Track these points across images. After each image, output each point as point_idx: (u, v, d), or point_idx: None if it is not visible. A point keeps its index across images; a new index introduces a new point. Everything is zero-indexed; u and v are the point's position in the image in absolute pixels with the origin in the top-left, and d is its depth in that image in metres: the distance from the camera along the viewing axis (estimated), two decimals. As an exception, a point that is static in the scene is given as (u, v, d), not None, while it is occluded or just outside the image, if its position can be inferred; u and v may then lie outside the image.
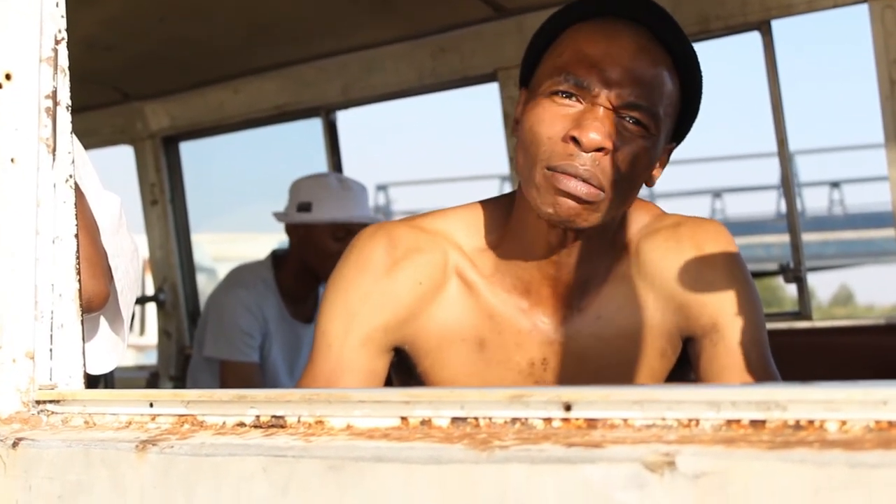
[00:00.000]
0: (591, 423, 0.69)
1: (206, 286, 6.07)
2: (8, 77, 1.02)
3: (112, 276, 1.30)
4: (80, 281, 1.02)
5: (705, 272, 1.32)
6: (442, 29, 2.83)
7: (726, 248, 1.34)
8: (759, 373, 1.29)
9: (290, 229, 2.94)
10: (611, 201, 1.20)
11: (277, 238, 5.09)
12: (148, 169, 3.54)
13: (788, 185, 2.71)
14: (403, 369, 1.35)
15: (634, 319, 1.32)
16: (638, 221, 1.36)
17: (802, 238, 2.66)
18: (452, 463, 0.68)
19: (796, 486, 0.57)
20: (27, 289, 0.99)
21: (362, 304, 1.29)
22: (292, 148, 4.01)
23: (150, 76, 3.25)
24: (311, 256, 2.89)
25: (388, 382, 1.36)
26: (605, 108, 1.19)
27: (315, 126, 3.35)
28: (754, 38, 2.51)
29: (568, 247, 1.28)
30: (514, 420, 0.72)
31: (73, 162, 1.03)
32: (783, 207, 3.75)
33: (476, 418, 0.73)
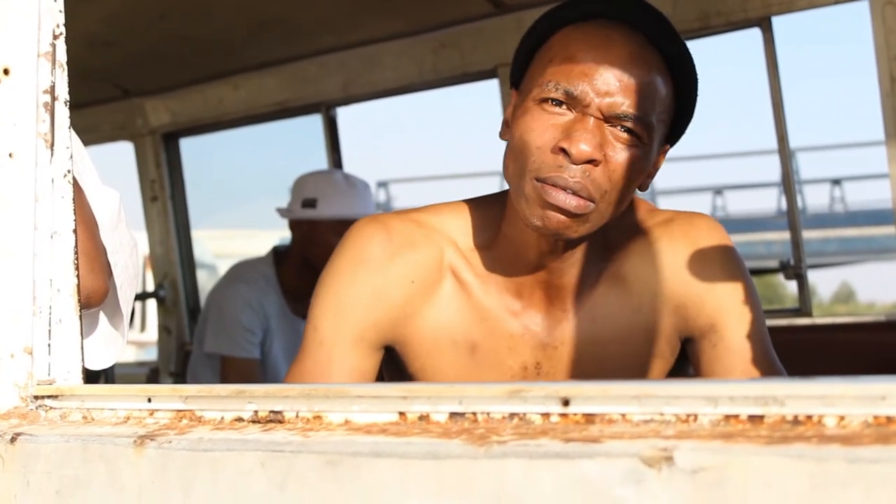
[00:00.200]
0: (589, 419, 0.69)
1: (206, 283, 6.06)
2: (6, 72, 1.02)
3: (111, 272, 1.29)
4: (78, 276, 1.02)
5: (700, 270, 1.29)
6: (442, 25, 2.83)
7: (720, 243, 1.31)
8: (764, 370, 1.27)
9: (294, 225, 2.93)
10: (601, 212, 1.18)
11: (278, 234, 5.10)
12: (148, 165, 3.54)
13: (789, 182, 2.71)
14: (395, 367, 1.33)
15: (630, 322, 1.29)
16: (629, 220, 1.32)
17: (803, 235, 2.66)
18: (450, 458, 0.68)
19: (794, 481, 0.57)
20: (25, 284, 0.99)
21: (355, 302, 1.27)
22: (293, 144, 4.01)
23: (151, 72, 3.25)
24: (313, 252, 2.88)
25: (380, 378, 1.34)
26: (596, 118, 1.15)
27: (315, 122, 3.34)
28: (755, 34, 2.51)
29: (559, 253, 1.25)
30: (512, 415, 0.71)
31: (71, 157, 1.03)
32: (784, 204, 3.75)
33: (474, 413, 0.73)
